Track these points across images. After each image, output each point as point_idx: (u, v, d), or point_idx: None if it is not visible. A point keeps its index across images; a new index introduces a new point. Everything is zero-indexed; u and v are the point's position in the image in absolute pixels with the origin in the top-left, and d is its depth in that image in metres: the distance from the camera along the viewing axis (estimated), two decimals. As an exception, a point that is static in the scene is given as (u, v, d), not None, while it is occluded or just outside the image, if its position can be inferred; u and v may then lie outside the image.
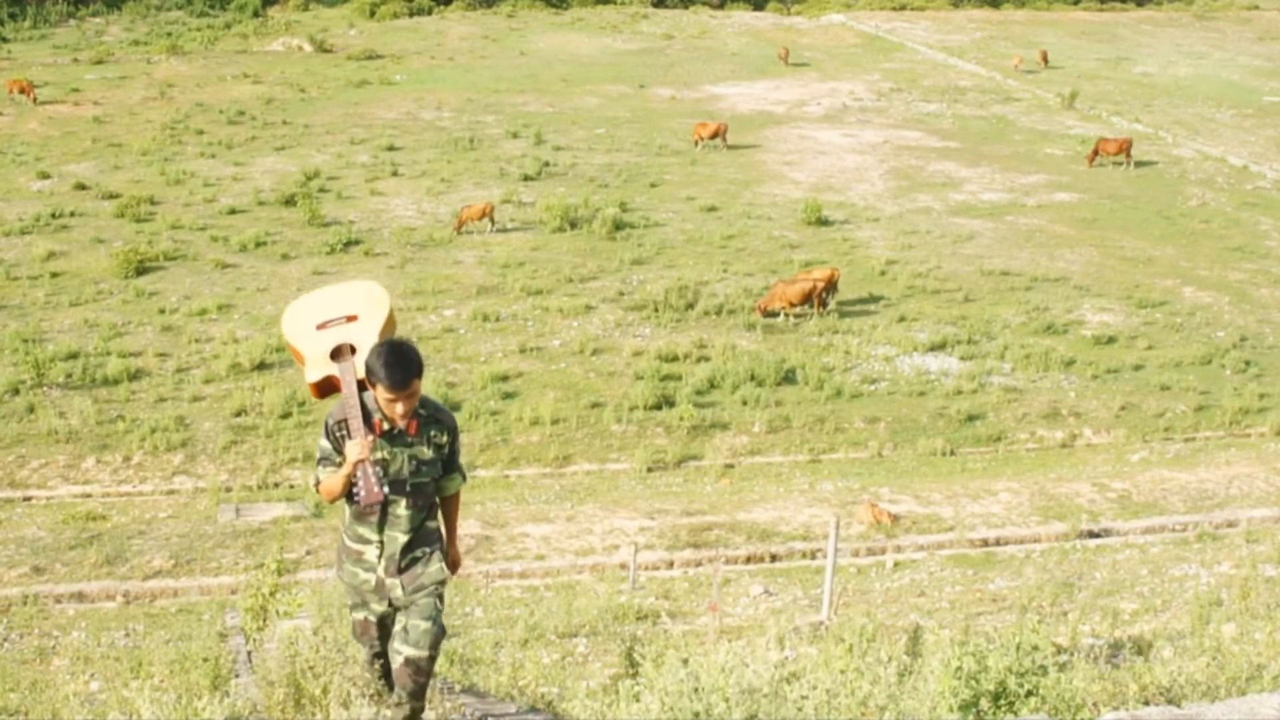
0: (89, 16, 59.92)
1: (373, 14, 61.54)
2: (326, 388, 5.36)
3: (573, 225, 29.95)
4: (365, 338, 5.35)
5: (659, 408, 21.31)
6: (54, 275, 26.30)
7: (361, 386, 5.16)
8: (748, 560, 16.62)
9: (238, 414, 20.63)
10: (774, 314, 24.86)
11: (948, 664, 5.02)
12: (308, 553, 16.25)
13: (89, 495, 18.60)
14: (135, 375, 21.73)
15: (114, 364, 21.76)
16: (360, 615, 5.45)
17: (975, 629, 11.05)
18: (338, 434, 5.16)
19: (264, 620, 8.69)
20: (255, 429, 20.26)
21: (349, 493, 5.17)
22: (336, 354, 5.34)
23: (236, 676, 7.44)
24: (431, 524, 5.38)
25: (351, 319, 5.46)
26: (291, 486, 18.98)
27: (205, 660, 6.54)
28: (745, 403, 21.58)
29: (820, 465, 20.25)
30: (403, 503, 5.23)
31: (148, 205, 30.97)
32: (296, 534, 16.78)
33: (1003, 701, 4.92)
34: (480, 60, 52.20)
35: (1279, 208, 34.37)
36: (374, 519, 5.23)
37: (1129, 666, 6.67)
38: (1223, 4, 71.72)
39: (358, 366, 5.20)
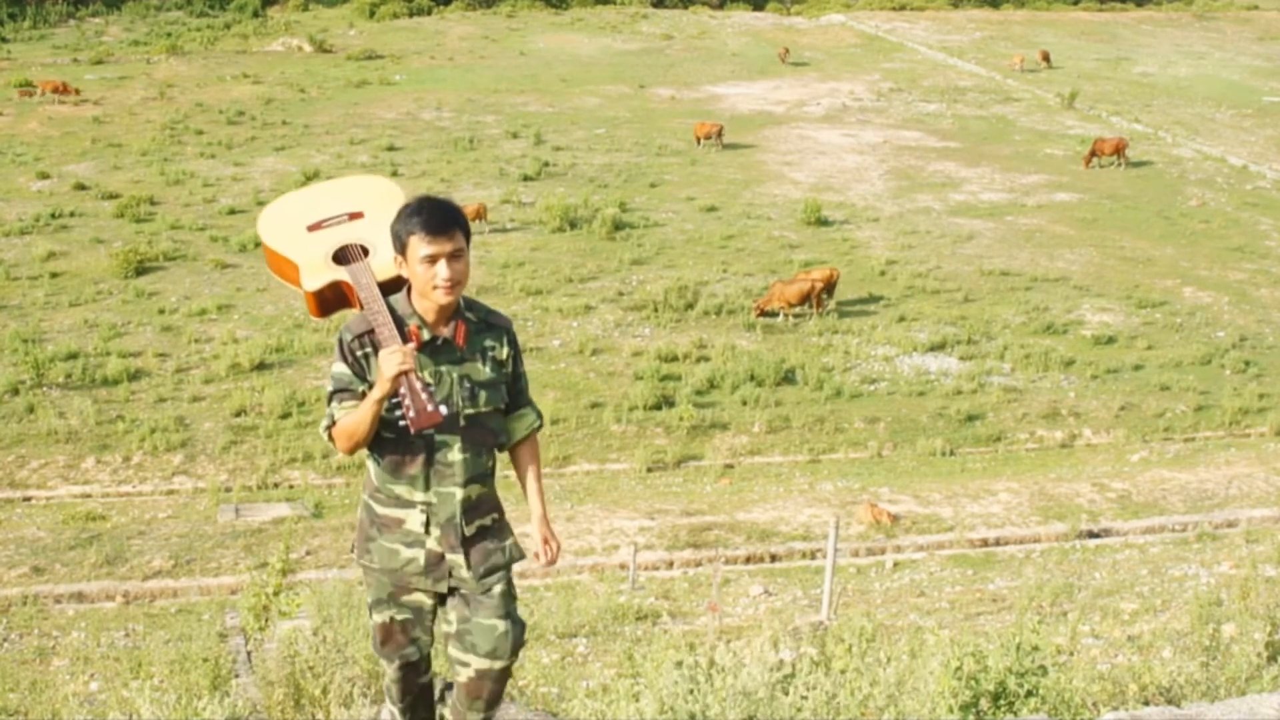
0: (89, 17, 59.92)
1: (372, 14, 61.54)
2: (332, 300, 4.09)
3: (572, 225, 29.96)
4: (378, 236, 4.07)
5: (659, 408, 21.31)
6: (54, 275, 26.31)
7: (385, 289, 3.92)
8: (747, 560, 16.62)
9: (238, 414, 20.64)
10: (773, 314, 24.87)
11: (948, 664, 5.02)
12: (308, 553, 16.26)
13: (89, 495, 18.60)
14: (135, 375, 21.73)
15: (114, 364, 21.76)
16: (384, 616, 4.04)
17: (975, 629, 11.05)
18: (359, 352, 3.81)
19: (265, 620, 8.69)
20: (255, 429, 20.26)
21: (381, 430, 3.81)
22: (342, 258, 4.06)
23: (236, 676, 7.45)
24: (492, 478, 4.05)
25: (356, 216, 4.19)
26: (291, 487, 18.99)
27: (205, 660, 6.54)
28: (745, 403, 21.59)
29: (820, 465, 20.25)
30: (455, 445, 3.86)
31: (148, 205, 30.99)
32: (296, 534, 16.77)
33: (1003, 701, 4.92)
34: (480, 60, 52.20)
35: (1279, 208, 34.38)
36: (414, 472, 3.86)
37: (1129, 666, 6.67)
38: (1223, 4, 71.71)
39: (376, 267, 3.97)
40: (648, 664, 5.36)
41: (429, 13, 62.41)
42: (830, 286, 25.32)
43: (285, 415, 20.58)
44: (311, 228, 4.17)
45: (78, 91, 42.40)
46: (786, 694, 4.87)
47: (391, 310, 3.84)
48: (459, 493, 3.88)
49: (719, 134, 38.60)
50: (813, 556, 16.46)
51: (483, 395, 3.91)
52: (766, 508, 18.18)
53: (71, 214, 30.38)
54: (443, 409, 3.70)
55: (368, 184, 4.40)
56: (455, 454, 3.86)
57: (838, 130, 41.77)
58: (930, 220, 32.06)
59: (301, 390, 21.32)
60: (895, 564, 16.44)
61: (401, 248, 3.80)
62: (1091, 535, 17.27)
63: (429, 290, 3.79)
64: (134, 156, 36.04)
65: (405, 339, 3.80)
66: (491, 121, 41.45)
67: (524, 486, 4.14)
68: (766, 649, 5.20)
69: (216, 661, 6.57)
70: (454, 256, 3.77)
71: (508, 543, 4.04)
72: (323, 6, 63.28)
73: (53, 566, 15.89)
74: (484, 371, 3.92)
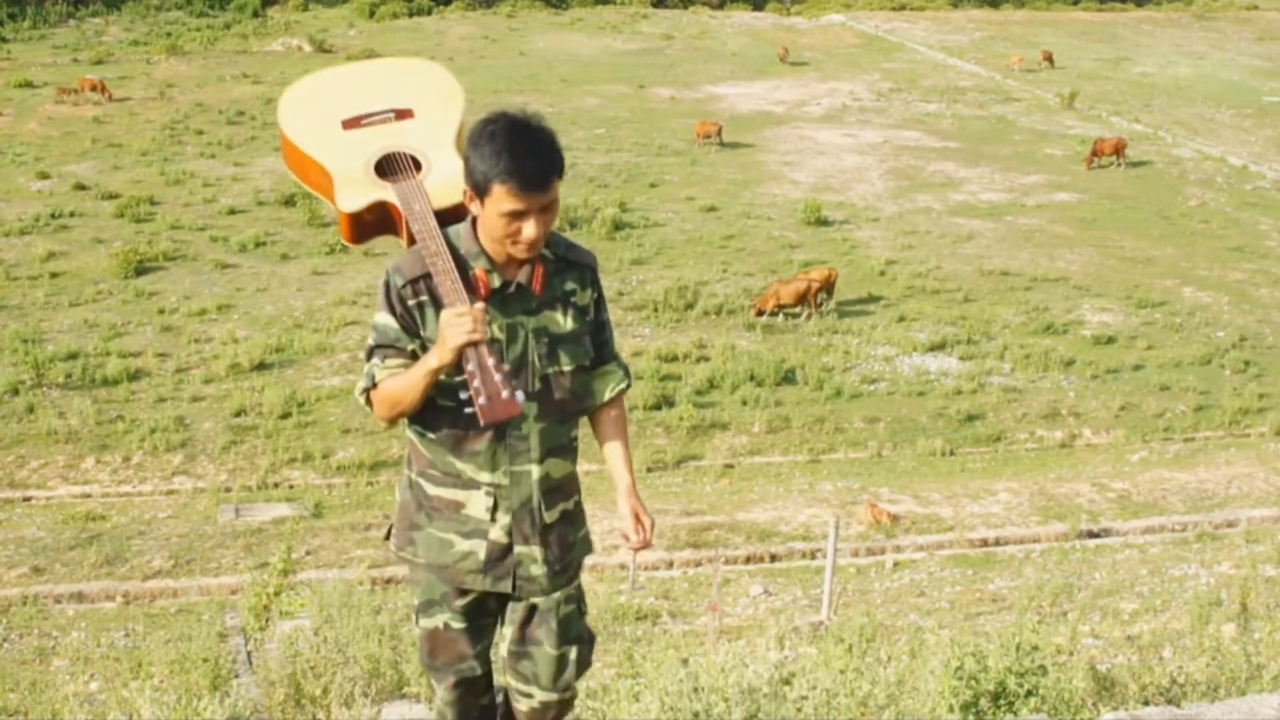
0: (88, 17, 59.91)
1: (373, 14, 61.52)
2: (370, 224, 3.28)
3: (572, 225, 29.94)
4: (433, 144, 3.28)
5: (659, 408, 21.31)
6: (54, 275, 26.31)
7: (443, 219, 3.08)
8: (747, 560, 16.63)
9: (238, 414, 20.64)
10: (772, 313, 24.87)
11: (948, 664, 5.02)
12: (308, 553, 16.26)
13: (89, 495, 18.60)
14: (135, 375, 21.73)
15: (114, 364, 21.76)
16: (437, 622, 3.27)
17: (975, 629, 11.05)
18: (411, 301, 3.03)
19: (266, 620, 8.70)
20: (255, 429, 20.26)
21: (435, 396, 3.04)
22: (386, 168, 3.23)
23: (236, 676, 7.45)
24: (574, 452, 3.28)
25: (404, 115, 3.32)
26: (291, 487, 18.99)
27: (205, 660, 6.54)
28: (745, 403, 21.59)
29: (820, 465, 20.25)
30: (531, 412, 3.11)
31: (148, 205, 30.98)
32: (297, 534, 16.76)
33: (1003, 701, 4.92)
34: (480, 60, 52.18)
35: (1279, 208, 34.38)
36: (479, 448, 3.10)
37: (1129, 666, 6.68)
38: (1222, 4, 71.72)
39: (431, 188, 3.14)
40: (648, 664, 5.36)
41: (429, 13, 62.39)
42: (828, 286, 25.32)
43: (285, 415, 20.58)
44: (348, 124, 3.31)
45: (111, 94, 42.72)
46: (789, 687, 4.88)
47: (452, 249, 3.02)
48: (535, 470, 3.13)
49: (718, 132, 38.64)
50: (813, 556, 16.46)
51: (563, 352, 3.16)
52: (766, 508, 18.18)
53: (71, 214, 30.37)
54: (519, 396, 2.91)
55: (418, 71, 3.50)
56: (530, 423, 3.10)
57: (837, 130, 41.76)
58: (930, 220, 32.06)
59: (301, 390, 21.32)
60: (895, 564, 16.44)
61: (479, 190, 2.98)
62: (1091, 535, 17.28)
63: (505, 243, 3.02)
64: (134, 156, 36.02)
65: (470, 288, 2.98)
66: (491, 121, 41.42)
67: (606, 455, 3.34)
68: (771, 645, 5.21)
69: (216, 661, 6.57)
70: (545, 210, 2.99)
71: (583, 532, 3.36)
72: (323, 6, 63.26)
73: (53, 566, 15.89)
74: (565, 322, 3.19)
